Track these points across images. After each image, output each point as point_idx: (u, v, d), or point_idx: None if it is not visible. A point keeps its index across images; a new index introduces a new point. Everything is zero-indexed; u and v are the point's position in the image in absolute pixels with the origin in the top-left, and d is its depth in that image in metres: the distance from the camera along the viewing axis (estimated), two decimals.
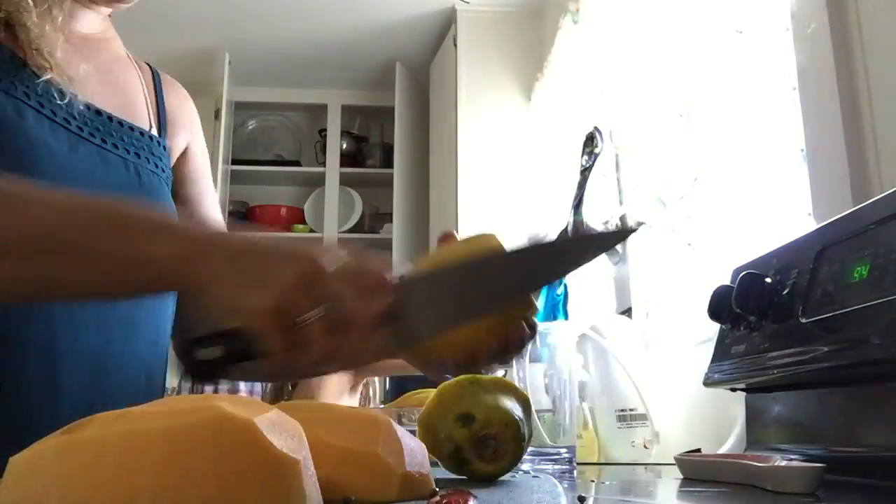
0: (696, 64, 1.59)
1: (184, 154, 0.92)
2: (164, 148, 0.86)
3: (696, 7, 1.61)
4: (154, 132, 0.85)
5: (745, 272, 0.76)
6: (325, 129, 3.64)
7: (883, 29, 0.93)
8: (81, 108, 0.75)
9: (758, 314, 0.74)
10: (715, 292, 0.81)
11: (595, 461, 1.30)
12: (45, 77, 0.71)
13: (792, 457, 0.67)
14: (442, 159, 2.93)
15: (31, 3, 0.71)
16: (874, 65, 0.93)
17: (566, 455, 1.00)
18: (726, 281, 0.83)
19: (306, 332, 0.50)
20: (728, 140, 1.46)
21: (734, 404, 1.00)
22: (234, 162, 3.42)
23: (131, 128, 0.81)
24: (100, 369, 0.74)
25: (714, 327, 0.87)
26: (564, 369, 1.05)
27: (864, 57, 0.95)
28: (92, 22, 0.84)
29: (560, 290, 2.15)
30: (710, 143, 1.53)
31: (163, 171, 0.84)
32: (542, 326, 1.09)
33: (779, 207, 1.25)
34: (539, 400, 1.04)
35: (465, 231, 2.55)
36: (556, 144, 2.45)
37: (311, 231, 3.53)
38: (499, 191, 2.62)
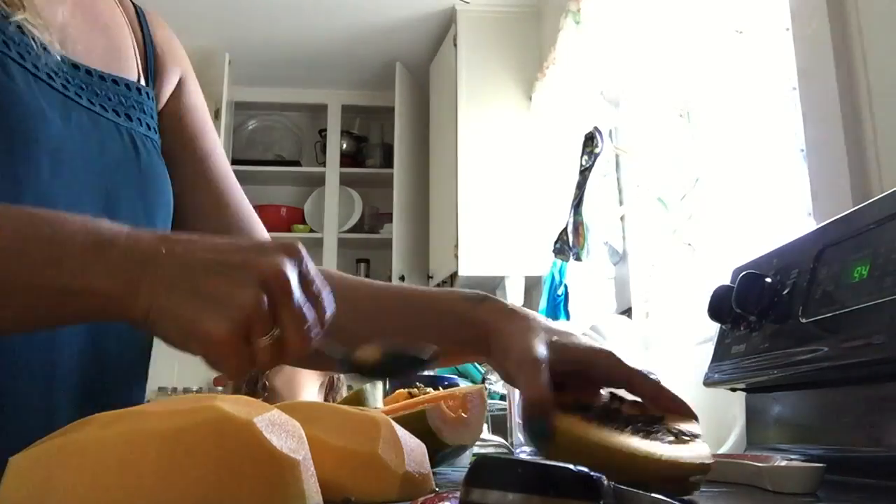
0: (696, 64, 1.59)
1: (178, 91, 0.79)
2: (152, 100, 0.74)
3: (696, 7, 1.61)
4: (142, 82, 0.74)
5: (745, 272, 0.76)
6: (325, 129, 3.64)
7: (883, 29, 0.93)
8: (58, 59, 0.63)
9: (758, 314, 0.74)
10: (715, 292, 0.81)
11: None
12: (16, 17, 0.58)
13: (792, 457, 0.67)
14: (442, 159, 2.93)
15: None
16: (874, 65, 0.93)
17: None
18: (726, 281, 0.83)
19: (259, 353, 0.45)
20: (728, 140, 1.46)
21: (734, 404, 1.00)
22: (234, 162, 3.42)
23: (115, 81, 0.69)
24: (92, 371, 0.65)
25: (714, 327, 0.86)
26: None
27: (864, 57, 0.95)
28: None
29: (561, 291, 2.15)
30: (711, 143, 1.53)
31: (154, 132, 0.73)
32: None
33: (779, 207, 1.25)
34: None
35: (464, 229, 2.50)
36: (557, 144, 2.45)
37: (311, 231, 3.54)
38: (499, 190, 2.62)
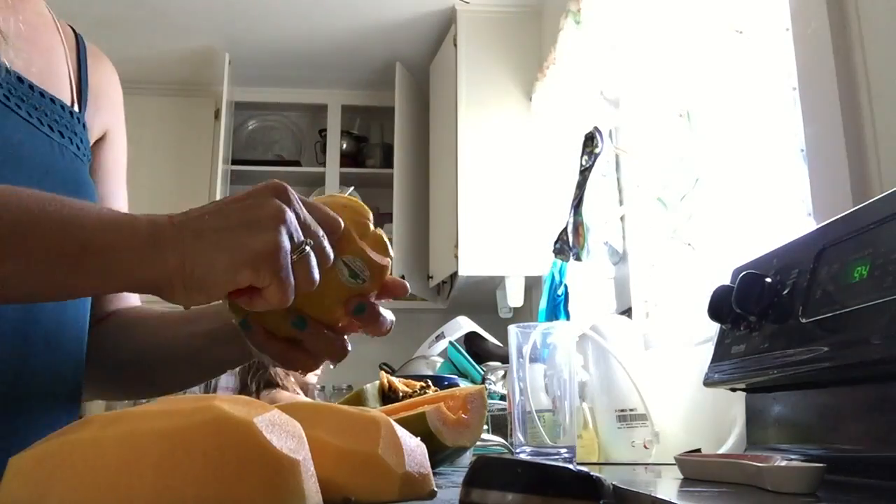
0: (696, 64, 1.59)
1: (101, 140, 0.81)
2: (84, 127, 0.76)
3: (696, 7, 1.61)
4: (75, 108, 0.75)
5: (745, 272, 0.76)
6: (325, 129, 3.64)
7: (883, 29, 0.93)
8: (3, 72, 0.65)
9: (758, 314, 0.74)
10: (715, 292, 0.81)
11: (595, 461, 1.30)
12: None
13: (792, 457, 0.67)
14: (442, 159, 2.93)
15: None
16: (874, 65, 0.93)
17: (566, 455, 1.00)
18: (726, 281, 0.83)
19: (297, 268, 0.49)
20: (728, 140, 1.46)
21: (734, 404, 1.00)
22: (234, 162, 3.42)
23: (53, 100, 0.71)
24: (17, 385, 0.64)
25: (714, 327, 0.86)
26: (564, 369, 1.05)
27: (864, 57, 0.95)
28: None
29: (561, 291, 2.15)
30: (711, 143, 1.53)
31: (84, 154, 0.75)
32: (542, 326, 1.09)
33: (779, 207, 1.25)
34: (539, 400, 1.04)
35: (464, 229, 2.50)
36: (557, 144, 2.45)
37: None
38: (499, 191, 2.62)
